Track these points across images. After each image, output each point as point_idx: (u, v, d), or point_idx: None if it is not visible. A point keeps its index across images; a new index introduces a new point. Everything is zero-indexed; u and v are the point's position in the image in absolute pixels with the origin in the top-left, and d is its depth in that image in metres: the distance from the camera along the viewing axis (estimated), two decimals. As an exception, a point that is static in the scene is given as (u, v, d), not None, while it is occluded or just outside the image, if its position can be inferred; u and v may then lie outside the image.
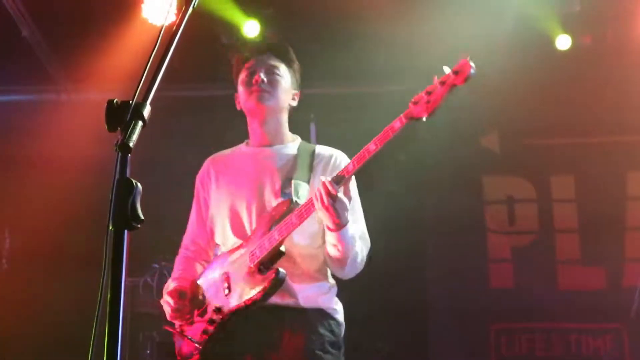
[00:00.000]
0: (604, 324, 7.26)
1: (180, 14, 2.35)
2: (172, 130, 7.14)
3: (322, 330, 3.53)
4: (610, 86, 7.15)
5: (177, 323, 3.64)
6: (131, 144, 1.96)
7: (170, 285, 3.69)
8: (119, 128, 2.00)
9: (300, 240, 3.53)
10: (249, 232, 3.57)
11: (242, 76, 3.76)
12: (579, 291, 7.38)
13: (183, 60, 5.89)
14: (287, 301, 3.48)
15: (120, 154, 1.96)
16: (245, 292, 3.43)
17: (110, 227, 1.90)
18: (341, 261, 3.48)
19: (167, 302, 3.61)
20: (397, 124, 3.16)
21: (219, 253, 3.70)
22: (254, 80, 3.68)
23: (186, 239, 3.93)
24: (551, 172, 7.67)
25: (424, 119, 3.13)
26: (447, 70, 3.08)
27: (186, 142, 7.25)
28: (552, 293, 7.40)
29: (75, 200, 6.97)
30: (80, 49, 6.68)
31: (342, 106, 7.35)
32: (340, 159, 3.70)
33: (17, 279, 7.15)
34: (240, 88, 3.76)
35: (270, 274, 3.37)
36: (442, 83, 3.08)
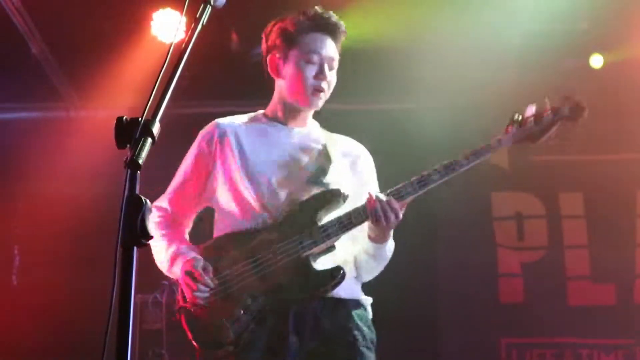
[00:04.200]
0: (615, 340, 7.22)
1: (190, 31, 2.36)
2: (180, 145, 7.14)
3: (364, 327, 3.39)
4: (619, 103, 7.14)
5: (196, 295, 3.26)
6: (140, 161, 1.96)
7: (183, 255, 3.32)
8: (128, 145, 2.00)
9: None
10: (279, 212, 3.31)
11: (299, 53, 3.42)
12: (590, 307, 7.35)
13: (192, 77, 5.94)
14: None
15: (129, 171, 1.96)
16: (292, 284, 3.22)
17: (119, 245, 1.90)
18: (373, 269, 3.45)
19: (192, 276, 3.23)
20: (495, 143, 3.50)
21: (223, 227, 3.44)
22: (320, 77, 3.42)
23: (168, 201, 3.54)
24: (560, 188, 7.66)
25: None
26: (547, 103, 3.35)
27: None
28: (563, 308, 7.37)
29: (84, 217, 6.97)
30: (90, 66, 6.70)
31: (346, 122, 7.34)
32: (366, 156, 3.63)
33: (26, 295, 7.15)
34: (293, 67, 3.43)
35: (334, 272, 3.21)
36: (555, 114, 3.44)
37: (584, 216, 7.60)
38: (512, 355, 7.39)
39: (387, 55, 6.60)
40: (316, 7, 3.48)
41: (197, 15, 2.42)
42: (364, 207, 3.22)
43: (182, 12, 2.34)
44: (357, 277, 3.47)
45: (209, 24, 2.43)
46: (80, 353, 6.27)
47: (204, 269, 3.23)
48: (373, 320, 3.49)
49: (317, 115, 3.65)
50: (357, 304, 3.42)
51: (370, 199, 3.18)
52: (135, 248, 1.91)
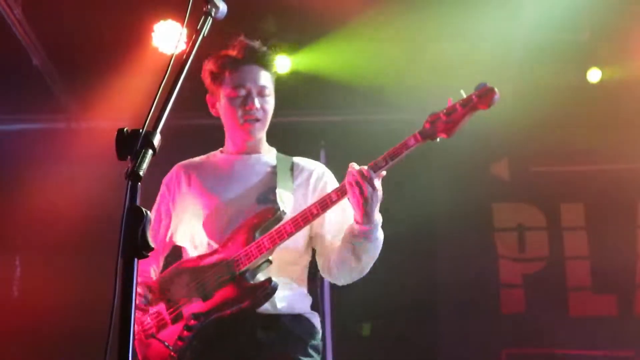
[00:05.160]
0: (617, 351, 7.21)
1: (191, 43, 2.37)
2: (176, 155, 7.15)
3: (302, 335, 3.45)
4: (620, 114, 7.14)
5: (146, 324, 3.49)
6: (141, 173, 1.97)
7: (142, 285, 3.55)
8: (129, 157, 2.00)
9: (283, 246, 3.38)
10: (224, 236, 3.44)
11: (227, 89, 3.53)
12: (591, 318, 7.35)
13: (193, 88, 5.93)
14: (264, 307, 3.36)
15: (130, 183, 1.96)
16: (229, 300, 3.34)
17: (120, 256, 1.90)
18: (357, 267, 3.39)
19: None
20: (411, 141, 3.16)
21: (187, 256, 3.59)
22: (248, 107, 3.50)
23: None
24: (561, 199, 7.66)
25: (438, 139, 3.15)
26: (463, 94, 3.09)
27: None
28: (564, 319, 7.37)
29: (85, 228, 6.97)
30: (91, 78, 6.70)
31: (353, 133, 7.36)
32: (324, 171, 3.65)
33: (27, 307, 7.14)
34: (225, 103, 3.55)
35: (264, 284, 3.30)
36: (464, 105, 3.10)
37: (584, 227, 7.60)
38: (513, 366, 7.38)
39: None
40: (240, 38, 3.59)
41: (198, 27, 2.43)
42: (301, 214, 3.29)
43: (183, 24, 2.35)
44: (336, 280, 3.52)
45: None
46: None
47: (148, 288, 3.50)
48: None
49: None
50: (298, 317, 3.49)
51: (348, 173, 3.17)
52: (135, 259, 1.91)
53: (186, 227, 3.60)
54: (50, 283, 7.08)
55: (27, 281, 7.43)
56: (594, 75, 6.91)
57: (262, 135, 3.65)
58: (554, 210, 7.64)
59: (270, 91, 3.58)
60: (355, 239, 3.28)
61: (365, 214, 3.17)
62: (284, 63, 6.59)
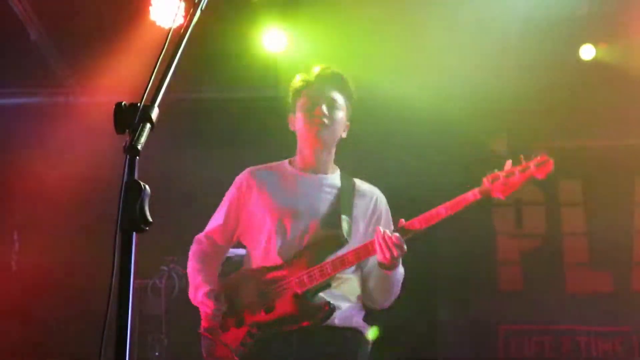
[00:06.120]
0: (613, 327, 7.24)
1: (189, 16, 2.35)
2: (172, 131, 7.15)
3: (358, 352, 3.77)
4: (618, 90, 7.12)
5: (212, 322, 3.77)
6: (139, 147, 1.96)
7: (203, 287, 3.78)
8: (127, 130, 2.00)
9: None
10: (290, 253, 3.72)
11: (302, 101, 3.88)
12: (588, 294, 7.38)
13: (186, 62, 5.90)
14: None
15: (128, 157, 1.95)
16: (289, 316, 3.64)
17: (119, 230, 1.90)
18: (386, 298, 3.85)
19: (205, 304, 3.72)
20: (470, 196, 3.64)
21: (249, 261, 3.90)
22: (316, 112, 3.80)
23: (206, 233, 4.02)
24: (559, 176, 7.65)
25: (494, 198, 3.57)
26: (523, 159, 3.56)
27: (186, 142, 7.31)
28: (561, 296, 7.40)
29: (84, 203, 6.98)
30: (88, 52, 6.69)
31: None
32: (380, 200, 3.97)
33: (26, 281, 7.16)
34: (299, 114, 3.87)
35: (324, 307, 3.61)
36: (523, 171, 3.56)
37: (582, 203, 7.61)
38: (511, 342, 7.41)
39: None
40: (318, 66, 3.97)
41: (196, 1, 2.41)
42: (363, 247, 3.62)
43: (181, -2, 2.33)
44: (368, 305, 3.88)
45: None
46: (80, 338, 6.31)
47: (216, 298, 3.70)
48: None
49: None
50: (354, 331, 3.79)
51: (377, 235, 3.54)
52: (134, 233, 1.91)
53: (253, 233, 3.89)
54: (49, 257, 7.09)
55: (25, 256, 7.44)
56: (591, 51, 6.87)
57: (331, 148, 3.95)
58: (552, 187, 7.64)
59: (340, 105, 3.90)
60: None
61: (391, 267, 3.59)
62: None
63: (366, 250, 3.59)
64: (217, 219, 3.99)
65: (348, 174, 4.02)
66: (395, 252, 3.48)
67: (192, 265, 3.95)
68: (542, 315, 7.32)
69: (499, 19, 6.35)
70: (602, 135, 7.50)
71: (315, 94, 3.86)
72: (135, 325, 6.46)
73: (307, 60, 5.83)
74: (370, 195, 3.95)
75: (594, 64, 6.91)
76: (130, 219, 1.89)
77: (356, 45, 6.45)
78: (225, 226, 3.95)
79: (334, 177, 3.94)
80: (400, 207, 4.00)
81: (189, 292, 3.89)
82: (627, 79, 6.98)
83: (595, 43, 6.86)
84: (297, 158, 3.97)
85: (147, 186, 1.92)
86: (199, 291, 3.77)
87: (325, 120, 3.80)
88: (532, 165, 3.48)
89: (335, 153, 4.00)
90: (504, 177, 3.50)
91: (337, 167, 4.01)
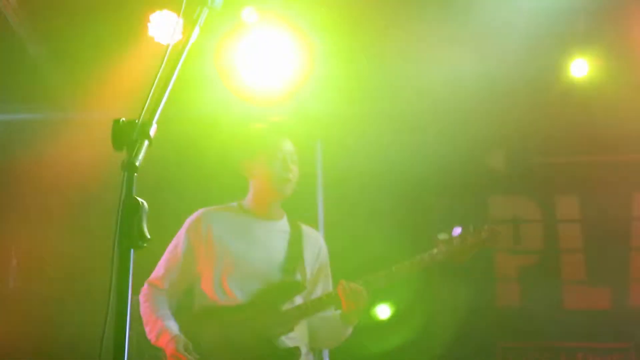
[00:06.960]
0: (612, 344, 7.23)
1: (187, 33, 2.36)
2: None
3: None
4: (615, 106, 7.12)
5: None
6: (137, 163, 1.96)
7: (179, 339, 3.83)
8: (125, 147, 1.99)
9: None
10: (248, 296, 3.87)
11: (278, 159, 3.99)
12: (585, 310, 7.36)
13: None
14: None
15: (126, 174, 1.95)
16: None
17: (117, 247, 1.90)
18: (335, 344, 4.19)
19: (175, 357, 3.78)
20: (426, 258, 4.01)
21: (202, 296, 3.96)
22: (291, 174, 4.01)
23: (161, 279, 4.03)
24: (556, 191, 7.65)
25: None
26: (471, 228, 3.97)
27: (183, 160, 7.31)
28: (559, 312, 7.37)
29: (82, 220, 6.97)
30: (86, 68, 6.69)
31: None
32: (322, 243, 4.20)
33: (23, 298, 7.15)
34: (268, 167, 4.01)
35: (292, 351, 3.78)
36: (474, 237, 4.04)
37: (579, 220, 7.60)
38: (509, 358, 7.39)
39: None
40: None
41: (195, 17, 2.42)
42: (325, 296, 3.91)
43: (179, 14, 2.34)
44: (315, 347, 4.12)
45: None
46: (77, 355, 6.29)
47: (185, 348, 3.76)
48: None
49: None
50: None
51: (343, 288, 3.79)
52: (132, 250, 1.90)
53: (211, 278, 3.95)
54: (47, 274, 7.09)
55: (23, 273, 7.43)
56: (586, 67, 6.86)
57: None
58: (549, 203, 7.63)
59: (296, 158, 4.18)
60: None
61: (356, 320, 3.91)
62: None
63: (329, 301, 3.85)
64: (172, 263, 4.04)
65: (292, 218, 4.16)
66: (361, 305, 3.75)
67: (151, 314, 3.99)
68: (540, 332, 7.29)
69: (496, 33, 6.35)
70: (599, 151, 7.49)
71: (287, 152, 4.04)
72: (133, 341, 6.44)
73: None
74: (315, 238, 4.14)
75: (589, 79, 6.91)
76: (128, 236, 1.89)
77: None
78: (176, 268, 4.02)
79: (284, 223, 4.09)
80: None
81: (147, 332, 3.96)
82: (626, 95, 6.99)
83: (589, 59, 6.86)
84: (250, 203, 4.09)
85: (145, 203, 1.92)
86: (162, 337, 3.85)
87: (294, 178, 4.00)
88: (483, 233, 3.89)
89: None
90: (459, 244, 3.93)
91: (283, 211, 4.15)
